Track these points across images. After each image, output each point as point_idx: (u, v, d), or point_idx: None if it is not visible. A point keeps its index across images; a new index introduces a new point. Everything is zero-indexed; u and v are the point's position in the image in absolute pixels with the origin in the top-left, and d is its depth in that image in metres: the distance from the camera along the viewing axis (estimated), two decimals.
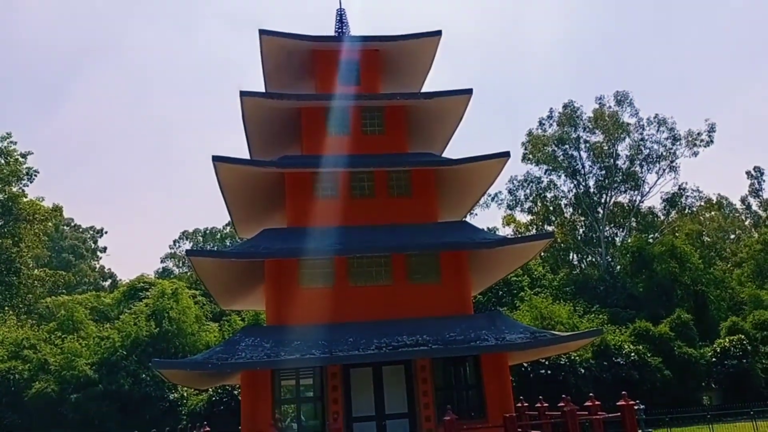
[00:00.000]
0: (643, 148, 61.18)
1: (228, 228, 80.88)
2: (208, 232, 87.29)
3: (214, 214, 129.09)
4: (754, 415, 30.14)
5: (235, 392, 32.07)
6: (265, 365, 15.14)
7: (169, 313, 38.71)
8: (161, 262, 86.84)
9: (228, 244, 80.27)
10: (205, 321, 43.68)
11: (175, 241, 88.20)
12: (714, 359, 39.93)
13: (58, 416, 32.91)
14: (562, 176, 61.99)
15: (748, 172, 79.62)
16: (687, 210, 65.96)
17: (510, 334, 16.33)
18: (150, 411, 33.70)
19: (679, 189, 63.53)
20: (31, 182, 51.85)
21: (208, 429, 17.44)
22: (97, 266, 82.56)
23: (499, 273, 21.91)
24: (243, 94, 18.37)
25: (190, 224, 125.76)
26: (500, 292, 47.83)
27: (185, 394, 35.20)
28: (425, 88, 22.64)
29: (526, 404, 20.44)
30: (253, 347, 15.32)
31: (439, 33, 20.53)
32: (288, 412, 16.45)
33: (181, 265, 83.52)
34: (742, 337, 40.66)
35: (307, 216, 18.00)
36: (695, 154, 61.08)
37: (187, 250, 17.64)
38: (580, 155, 61.84)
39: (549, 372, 35.07)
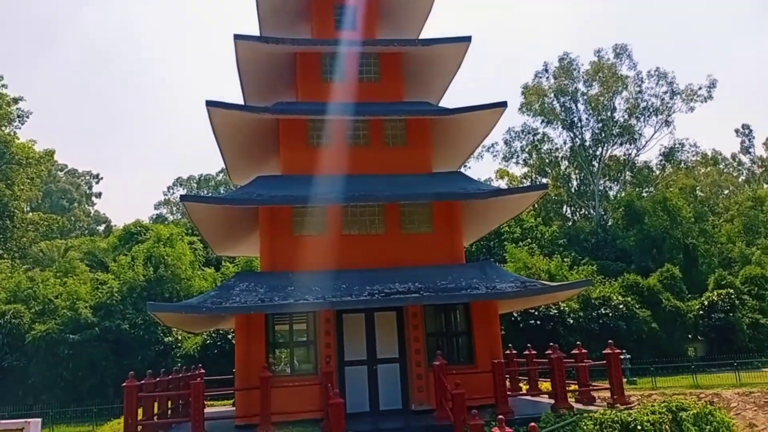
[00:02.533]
0: (640, 101, 60.76)
1: (222, 175, 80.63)
2: (202, 178, 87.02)
3: (209, 161, 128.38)
4: (737, 366, 30.95)
5: (229, 336, 32.66)
6: (259, 309, 15.35)
7: (165, 258, 39.02)
8: (155, 208, 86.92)
9: (222, 191, 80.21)
10: (200, 267, 44.07)
11: (169, 188, 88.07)
12: (701, 312, 40.69)
13: (56, 357, 33.56)
14: (559, 128, 61.69)
15: (737, 130, 79.65)
16: (682, 165, 66.01)
17: (501, 283, 16.54)
18: (144, 353, 34.38)
19: (676, 143, 63.45)
20: (23, 124, 51.30)
21: (203, 371, 17.83)
22: (92, 211, 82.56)
23: (492, 224, 22.04)
24: (237, 37, 18.02)
25: (184, 171, 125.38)
26: (491, 243, 48.24)
27: (179, 338, 35.83)
28: (422, 36, 22.28)
29: (514, 352, 20.96)
30: (247, 292, 15.50)
31: None
32: (281, 356, 16.77)
33: (175, 211, 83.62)
34: (730, 291, 41.33)
35: (301, 164, 17.94)
36: (692, 109, 60.76)
37: (181, 195, 17.63)
38: (576, 107, 61.42)
39: (539, 322, 35.76)
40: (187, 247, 42.34)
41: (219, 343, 33.71)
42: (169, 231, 42.61)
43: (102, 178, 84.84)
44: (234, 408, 17.14)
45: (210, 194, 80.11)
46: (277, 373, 15.95)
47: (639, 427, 12.24)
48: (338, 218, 17.43)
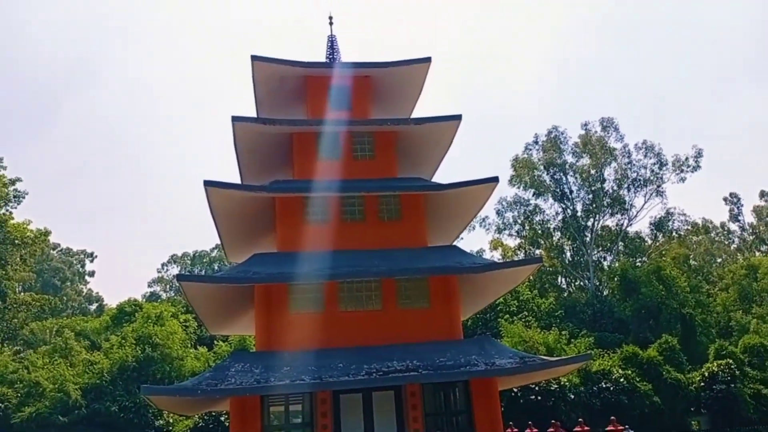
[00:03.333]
0: (629, 173, 61.94)
1: (216, 251, 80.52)
2: (196, 255, 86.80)
3: (203, 238, 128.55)
4: None
5: (222, 418, 31.72)
6: (254, 391, 15.05)
7: (153, 338, 38.45)
8: (149, 286, 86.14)
9: (216, 267, 79.86)
10: (192, 346, 43.34)
11: (163, 265, 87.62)
12: (702, 384, 39.94)
13: None
14: (550, 200, 62.52)
15: (725, 198, 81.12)
16: (674, 234, 66.57)
17: (500, 359, 16.36)
18: None
19: (667, 213, 64.23)
20: (19, 204, 51.51)
21: None
22: (84, 290, 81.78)
23: (489, 297, 22.01)
24: (234, 119, 18.52)
25: (178, 248, 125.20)
26: (488, 316, 47.80)
27: (171, 420, 34.79)
28: (415, 114, 22.93)
29: (515, 430, 20.43)
30: (242, 372, 15.24)
31: (428, 60, 20.85)
32: None
33: (168, 289, 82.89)
34: (730, 361, 40.75)
35: (297, 240, 18.05)
36: (682, 179, 61.92)
37: (177, 275, 17.60)
38: (566, 179, 62.47)
39: (539, 398, 34.93)
40: (178, 325, 41.80)
41: (212, 426, 32.67)
42: (159, 309, 42.16)
43: (96, 257, 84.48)
44: None
45: (204, 271, 79.85)
46: None
47: None
48: (334, 295, 17.39)
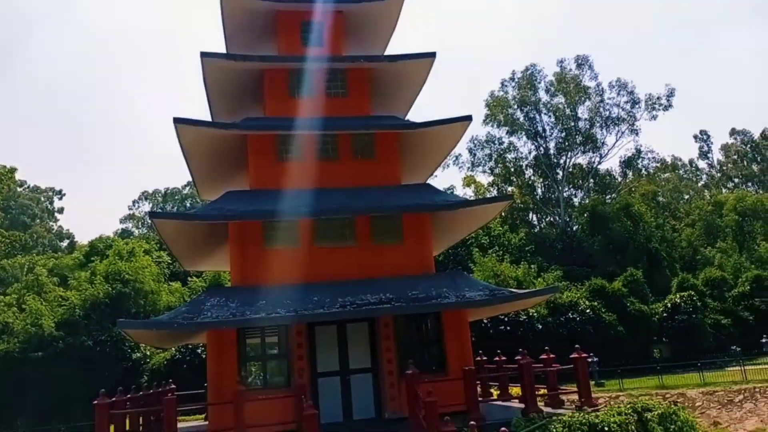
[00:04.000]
0: (602, 110, 62.31)
1: (188, 188, 79.86)
2: (168, 192, 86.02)
3: (174, 174, 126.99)
4: (701, 366, 31.82)
5: (198, 351, 32.41)
6: (231, 324, 15.41)
7: (123, 274, 38.61)
8: (120, 223, 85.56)
9: (188, 204, 79.43)
10: (165, 281, 43.63)
11: (134, 202, 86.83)
12: (665, 314, 41.72)
13: (21, 376, 32.89)
14: (523, 138, 62.82)
15: (695, 136, 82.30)
16: (643, 171, 67.76)
17: (470, 292, 16.90)
18: (112, 370, 33.88)
19: (637, 151, 65.14)
20: None
21: (174, 386, 17.75)
22: (54, 227, 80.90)
23: (460, 233, 22.47)
24: (204, 55, 18.14)
25: (149, 184, 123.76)
26: (459, 251, 48.72)
27: (148, 353, 35.41)
28: (388, 52, 22.65)
29: (485, 358, 21.34)
30: (218, 307, 15.55)
31: None
32: (254, 370, 16.82)
33: (141, 226, 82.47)
34: (692, 293, 42.49)
35: (270, 178, 18.08)
36: (654, 117, 62.53)
37: (150, 212, 17.60)
38: (540, 117, 62.66)
39: (508, 328, 36.29)
40: (149, 261, 41.92)
41: (188, 358, 33.39)
42: (130, 246, 42.15)
43: (65, 194, 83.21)
44: (206, 422, 17.11)
45: (176, 208, 79.33)
46: (250, 387, 15.99)
47: (606, 429, 12.66)
48: (309, 231, 17.60)
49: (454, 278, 18.20)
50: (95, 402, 14.08)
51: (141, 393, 17.84)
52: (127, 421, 16.32)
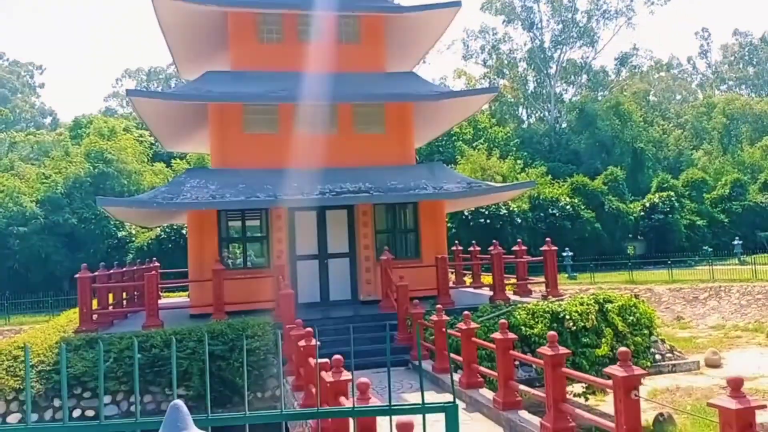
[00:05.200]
0: (601, 2, 60.22)
1: (173, 68, 77.67)
2: (152, 71, 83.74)
3: (159, 53, 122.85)
4: (671, 264, 33.06)
5: (183, 231, 32.96)
6: (210, 206, 15.60)
7: (105, 153, 38.37)
8: (104, 101, 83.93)
9: (173, 84, 77.58)
10: (148, 161, 43.50)
11: (117, 80, 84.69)
12: (642, 213, 42.66)
13: (4, 249, 33.48)
14: (519, 28, 60.98)
15: (696, 33, 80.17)
16: (637, 70, 66.61)
17: (447, 184, 17.09)
18: (97, 247, 34.57)
19: (633, 48, 63.66)
20: None
21: (157, 264, 18.26)
22: (37, 103, 79.19)
23: (444, 125, 22.33)
24: None
25: (133, 62, 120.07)
26: (443, 143, 48.68)
27: (133, 232, 35.98)
28: None
29: (460, 248, 21.95)
30: (198, 188, 15.65)
31: None
32: (235, 251, 17.26)
33: (125, 104, 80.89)
34: (671, 193, 43.22)
35: (251, 59, 17.61)
36: (652, 12, 60.66)
37: (127, 90, 17.17)
38: (538, 7, 60.52)
39: (488, 221, 37.05)
40: (132, 140, 41.56)
41: (173, 238, 34.03)
42: (111, 124, 41.60)
43: (45, 69, 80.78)
44: (188, 299, 17.75)
45: (161, 88, 77.51)
46: (232, 267, 16.47)
47: (567, 317, 13.31)
48: (290, 117, 17.41)
49: (433, 170, 18.32)
50: (77, 276, 14.47)
51: (124, 269, 18.30)
52: (110, 296, 16.89)
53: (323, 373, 7.24)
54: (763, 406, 4.93)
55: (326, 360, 7.60)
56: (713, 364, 19.27)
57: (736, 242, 38.16)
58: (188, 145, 23.54)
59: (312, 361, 8.54)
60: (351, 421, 5.53)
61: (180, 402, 2.00)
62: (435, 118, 20.00)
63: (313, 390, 7.79)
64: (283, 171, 16.61)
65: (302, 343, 9.35)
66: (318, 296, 17.15)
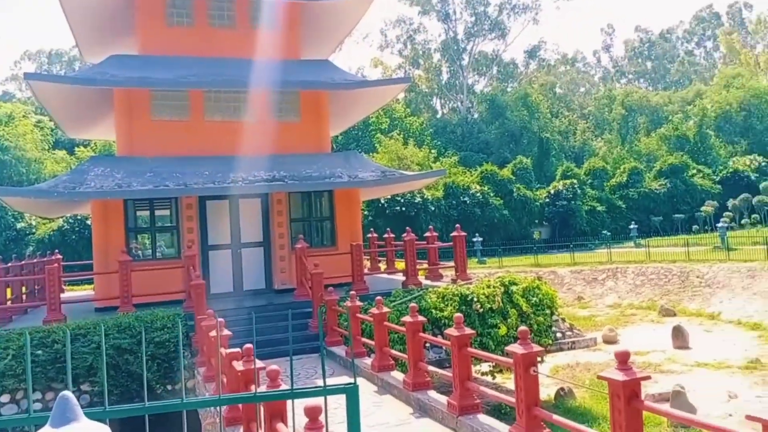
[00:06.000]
0: None
1: (77, 50, 73.57)
2: (53, 53, 78.94)
3: (61, 34, 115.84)
4: (573, 247, 34.94)
5: (88, 222, 31.52)
6: (116, 195, 15.06)
7: (2, 140, 36.06)
8: (1, 84, 78.39)
9: (77, 68, 73.55)
10: (49, 149, 41.21)
11: (16, 62, 79.30)
12: (547, 200, 44.65)
13: None
14: (434, 19, 62.01)
15: (601, 29, 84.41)
16: (545, 63, 69.32)
17: (362, 172, 17.29)
18: None
19: (540, 42, 66.22)
20: None
21: (59, 256, 17.45)
22: None
23: (360, 114, 22.50)
24: None
25: (33, 44, 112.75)
26: (359, 133, 49.03)
27: (33, 223, 34.06)
28: None
29: (376, 235, 22.29)
30: (103, 177, 15.07)
31: None
32: (144, 241, 16.75)
33: (24, 89, 75.91)
34: (574, 181, 45.46)
35: (160, 43, 17.06)
36: (558, 8, 63.21)
37: (25, 73, 16.23)
38: None
39: (403, 209, 37.71)
40: (31, 126, 39.19)
41: (78, 229, 32.46)
42: (9, 109, 39.06)
43: None
44: (94, 292, 17.09)
45: (63, 71, 73.39)
46: (141, 258, 16.00)
47: (475, 299, 13.86)
48: (200, 103, 17.03)
49: (349, 159, 18.48)
50: None
51: (23, 262, 17.37)
52: (8, 290, 16.02)
53: (234, 363, 7.27)
54: (647, 377, 5.38)
55: (238, 350, 7.62)
56: (610, 341, 20.62)
57: (632, 226, 40.70)
58: (92, 131, 22.51)
59: (223, 351, 8.52)
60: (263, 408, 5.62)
61: (69, 393, 1.95)
62: (351, 106, 20.12)
63: (224, 380, 7.80)
64: (193, 159, 16.28)
65: (213, 333, 9.29)
66: (231, 286, 16.95)
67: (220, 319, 9.49)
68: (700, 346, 19.22)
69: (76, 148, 42.51)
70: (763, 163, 49.57)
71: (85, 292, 20.49)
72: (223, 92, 17.27)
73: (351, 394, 2.49)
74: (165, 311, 13.23)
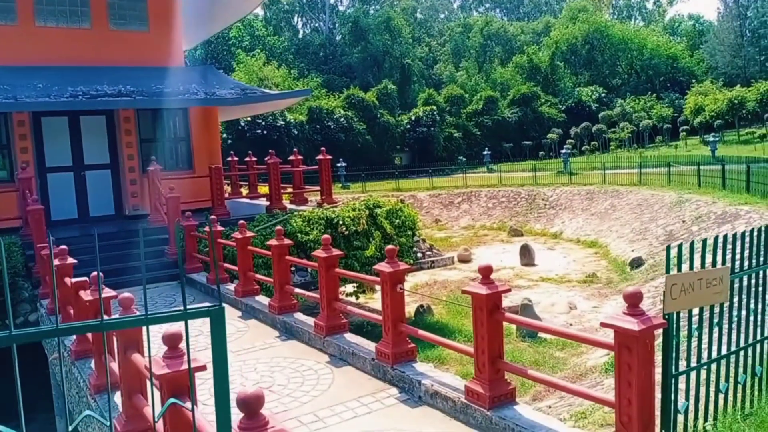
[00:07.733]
0: None
1: None
2: None
3: None
4: (431, 172, 36.13)
5: None
6: None
7: None
8: None
9: None
10: None
11: None
12: (408, 126, 45.43)
13: None
14: None
15: None
16: None
17: (220, 90, 16.26)
18: None
19: None
20: None
21: None
22: None
23: (217, 25, 21.02)
24: None
25: None
26: (219, 50, 46.36)
27: None
28: None
29: (236, 158, 21.39)
30: None
31: None
32: None
33: None
34: (434, 108, 46.52)
35: None
36: None
37: None
38: None
39: (265, 132, 36.57)
40: None
41: None
42: None
43: None
44: None
45: None
46: None
47: (340, 222, 13.81)
48: (30, 6, 14.90)
49: (205, 74, 17.27)
50: None
51: None
52: None
53: (81, 292, 6.63)
54: (508, 290, 5.57)
55: (85, 278, 6.97)
56: (465, 260, 21.77)
57: (485, 152, 42.71)
58: None
59: (68, 280, 7.77)
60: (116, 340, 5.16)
61: None
62: (206, 15, 18.67)
63: (71, 311, 7.13)
64: (24, 69, 14.38)
65: (57, 262, 8.44)
66: (75, 212, 15.53)
67: (62, 246, 8.66)
68: (544, 262, 20.86)
69: None
70: (603, 94, 53.62)
71: None
72: None
73: (215, 316, 2.21)
74: None
